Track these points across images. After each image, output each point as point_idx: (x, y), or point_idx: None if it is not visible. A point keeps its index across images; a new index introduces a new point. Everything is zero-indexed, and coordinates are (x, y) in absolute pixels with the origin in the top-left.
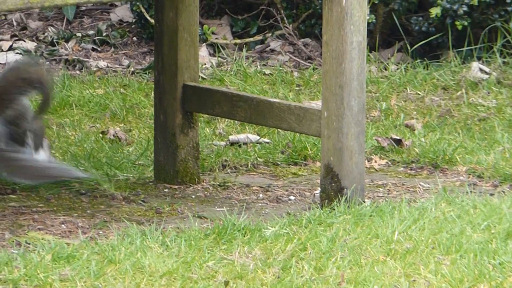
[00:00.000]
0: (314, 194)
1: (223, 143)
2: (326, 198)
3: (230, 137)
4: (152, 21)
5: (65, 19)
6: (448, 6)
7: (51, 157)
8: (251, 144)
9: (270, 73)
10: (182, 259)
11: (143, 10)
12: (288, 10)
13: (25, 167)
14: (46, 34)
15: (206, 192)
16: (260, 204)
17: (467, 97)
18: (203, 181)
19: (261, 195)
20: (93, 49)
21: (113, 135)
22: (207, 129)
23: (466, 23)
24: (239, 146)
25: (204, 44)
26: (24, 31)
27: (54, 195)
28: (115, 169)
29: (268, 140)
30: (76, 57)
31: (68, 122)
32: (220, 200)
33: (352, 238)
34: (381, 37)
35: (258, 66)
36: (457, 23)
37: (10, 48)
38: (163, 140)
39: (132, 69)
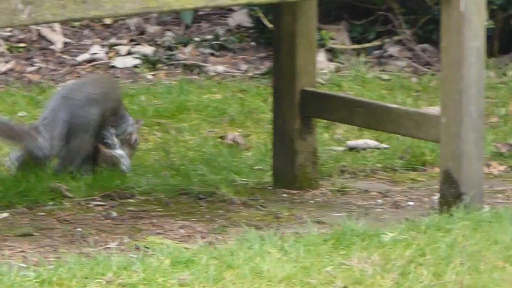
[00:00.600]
0: (432, 200)
1: (341, 148)
2: (445, 203)
3: (348, 143)
4: (270, 26)
5: (183, 24)
6: None
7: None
8: (369, 149)
9: (388, 79)
10: (300, 264)
11: (261, 15)
12: (406, 15)
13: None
14: (164, 38)
15: (324, 197)
16: (378, 210)
17: None
18: (321, 186)
19: (379, 201)
20: (211, 54)
21: (232, 140)
22: (325, 134)
23: None
24: (357, 151)
25: (322, 49)
26: (142, 36)
27: (172, 200)
28: (234, 174)
29: (386, 146)
30: (194, 62)
31: (186, 127)
32: (338, 206)
33: (471, 244)
34: (500, 43)
35: (376, 72)
36: None
37: (129, 53)
38: (281, 145)
39: (250, 74)
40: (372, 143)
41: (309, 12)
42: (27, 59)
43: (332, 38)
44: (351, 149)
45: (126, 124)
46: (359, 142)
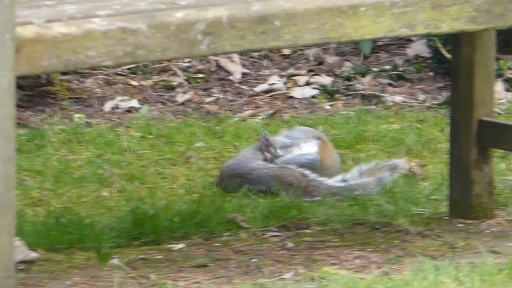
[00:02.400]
0: None
1: None
2: None
3: None
4: (448, 56)
5: (361, 54)
6: None
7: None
8: None
9: None
10: None
11: (440, 45)
12: None
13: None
14: (342, 69)
15: (500, 227)
16: None
17: None
18: (497, 216)
19: None
20: (389, 84)
21: (409, 170)
22: (502, 164)
23: None
24: None
25: (500, 79)
26: (321, 66)
27: (348, 230)
28: (410, 204)
29: None
30: (372, 92)
31: (363, 157)
32: None
33: None
34: None
35: None
36: None
37: (307, 83)
38: (458, 175)
39: (428, 104)
40: None
41: (488, 42)
42: (205, 89)
43: (510, 68)
44: None
45: None
46: None
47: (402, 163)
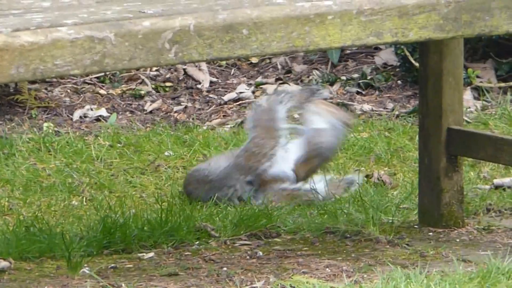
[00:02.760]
0: None
1: (487, 186)
2: None
3: (495, 181)
4: (417, 64)
5: (329, 63)
6: None
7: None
8: None
9: None
10: None
11: (408, 54)
12: None
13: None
14: (310, 77)
15: (470, 236)
16: None
17: None
18: (467, 225)
19: None
20: (358, 93)
21: (377, 179)
22: (471, 172)
23: None
24: (504, 189)
25: (469, 87)
26: (289, 75)
27: (318, 239)
28: (380, 212)
29: None
30: (341, 101)
31: (332, 165)
32: (484, 244)
33: None
34: None
35: None
36: None
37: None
38: (427, 184)
39: (397, 113)
40: None
41: (456, 50)
42: (173, 98)
43: (478, 76)
44: (497, 187)
45: None
46: (506, 181)
47: (359, 178)
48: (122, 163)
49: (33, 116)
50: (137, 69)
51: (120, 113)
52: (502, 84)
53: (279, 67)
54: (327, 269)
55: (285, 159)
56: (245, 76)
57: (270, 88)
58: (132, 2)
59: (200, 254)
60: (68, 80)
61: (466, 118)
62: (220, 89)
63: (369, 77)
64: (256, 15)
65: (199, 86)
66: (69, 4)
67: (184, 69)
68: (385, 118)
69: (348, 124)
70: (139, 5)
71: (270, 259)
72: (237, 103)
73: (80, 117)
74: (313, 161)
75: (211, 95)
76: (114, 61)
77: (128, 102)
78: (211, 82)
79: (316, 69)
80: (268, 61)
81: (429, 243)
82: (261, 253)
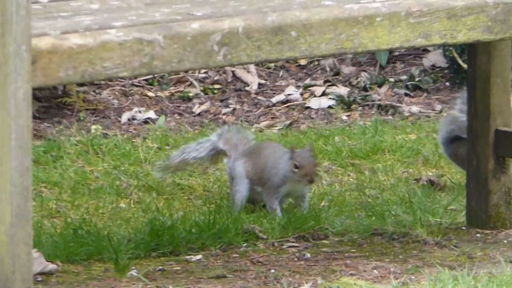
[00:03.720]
0: None
1: None
2: None
3: None
4: (465, 66)
5: (378, 64)
6: None
7: None
8: None
9: None
10: None
11: (456, 55)
12: None
13: None
14: (359, 79)
15: None
16: None
17: None
18: None
19: None
20: (406, 94)
21: (426, 181)
22: None
23: None
24: None
25: None
26: (337, 77)
27: (366, 241)
28: (428, 214)
29: None
30: (389, 102)
31: (380, 167)
32: None
33: None
34: None
35: None
36: None
37: (323, 94)
38: (475, 185)
39: (445, 114)
40: None
41: (504, 52)
42: (222, 100)
43: None
44: None
45: None
46: None
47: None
48: None
49: (81, 118)
50: (186, 71)
51: (169, 115)
52: None
53: (328, 69)
54: (375, 270)
55: None
56: (293, 78)
57: (318, 90)
58: (181, 4)
59: (248, 256)
60: (117, 82)
61: None
62: (268, 91)
63: (417, 79)
64: (305, 17)
65: (247, 88)
66: (118, 6)
67: (232, 71)
68: (433, 119)
69: None
70: (188, 7)
71: (318, 261)
72: (286, 105)
73: (128, 119)
74: None
75: (259, 97)
76: (163, 63)
77: (177, 104)
78: (259, 84)
79: (365, 71)
80: (316, 63)
81: (477, 245)
82: (308, 255)
